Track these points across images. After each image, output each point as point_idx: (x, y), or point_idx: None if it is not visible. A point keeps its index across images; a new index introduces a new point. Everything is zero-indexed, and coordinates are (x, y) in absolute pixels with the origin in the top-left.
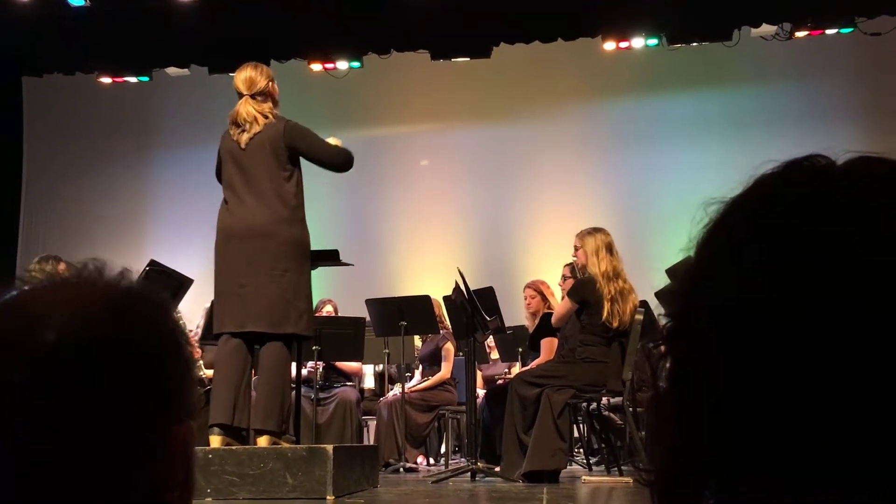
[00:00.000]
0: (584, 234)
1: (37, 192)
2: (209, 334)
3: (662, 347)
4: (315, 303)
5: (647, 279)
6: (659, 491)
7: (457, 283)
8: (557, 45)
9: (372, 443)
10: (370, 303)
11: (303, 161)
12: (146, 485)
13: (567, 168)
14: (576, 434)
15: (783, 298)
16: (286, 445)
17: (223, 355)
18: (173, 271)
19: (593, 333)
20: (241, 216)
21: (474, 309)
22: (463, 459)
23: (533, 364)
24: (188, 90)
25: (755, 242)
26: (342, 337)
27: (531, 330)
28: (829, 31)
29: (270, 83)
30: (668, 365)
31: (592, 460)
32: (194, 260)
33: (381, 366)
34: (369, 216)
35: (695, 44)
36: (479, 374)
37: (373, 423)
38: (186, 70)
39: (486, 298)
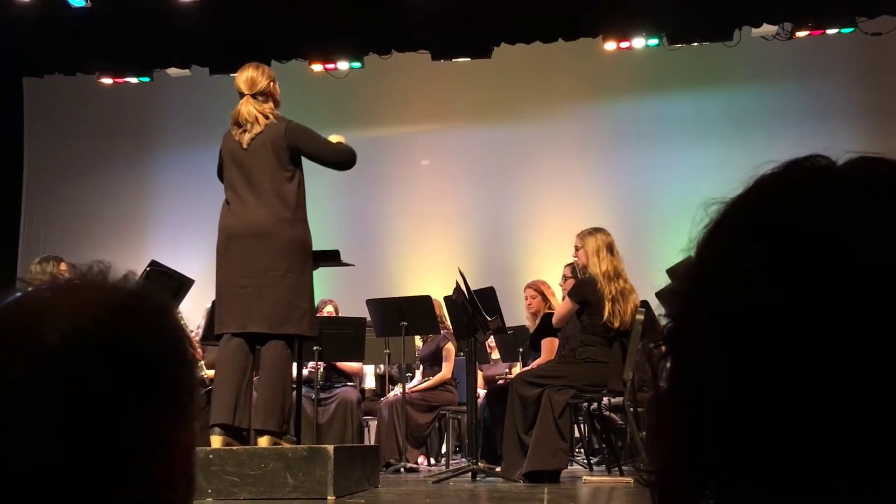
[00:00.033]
0: (584, 235)
1: (37, 192)
2: (210, 334)
3: (663, 348)
4: (316, 303)
5: (647, 279)
6: (659, 491)
7: (457, 283)
8: (558, 45)
9: (373, 443)
10: (371, 303)
11: (304, 161)
12: (146, 485)
13: (567, 168)
14: (577, 434)
15: (783, 299)
16: (287, 446)
17: (225, 355)
18: (174, 272)
19: (594, 333)
20: (243, 217)
21: (475, 309)
22: (464, 459)
23: (534, 364)
24: (189, 91)
25: (755, 243)
26: (343, 337)
27: (532, 330)
28: (829, 31)
29: (272, 83)
30: (668, 365)
31: (593, 460)
32: (195, 260)
33: (381, 368)
34: (370, 216)
35: (695, 44)
36: (479, 374)
37: (373, 424)
38: (187, 71)
39: (486, 298)
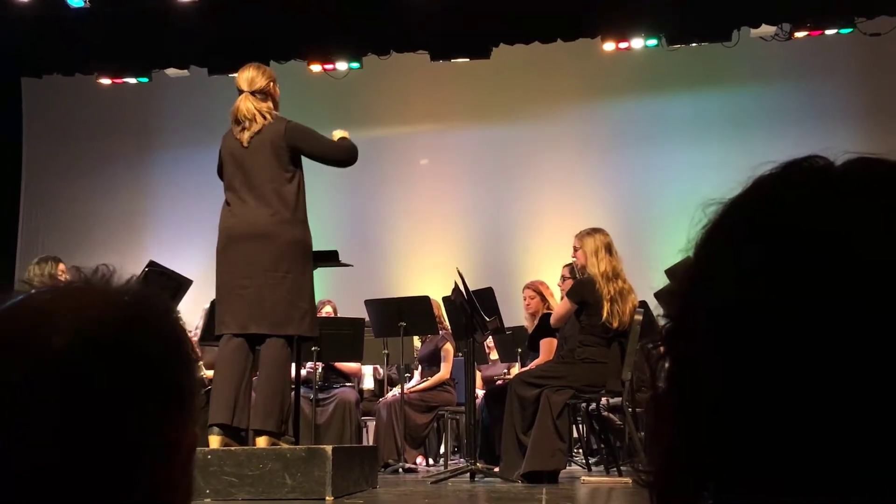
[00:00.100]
0: (583, 235)
1: (36, 192)
2: (208, 335)
3: (661, 348)
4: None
5: (646, 279)
6: (658, 491)
7: (456, 283)
8: (557, 45)
9: (371, 443)
10: (369, 303)
11: (304, 161)
12: (147, 486)
13: (567, 168)
14: (575, 434)
15: (782, 299)
16: (285, 446)
17: (224, 355)
18: (172, 272)
19: (593, 334)
20: (243, 217)
21: (473, 309)
22: (462, 460)
23: (532, 364)
24: (188, 91)
25: (754, 243)
26: (341, 337)
27: (530, 330)
28: (828, 32)
29: (272, 83)
30: (667, 366)
31: (592, 461)
32: (194, 261)
33: (381, 372)
34: (369, 217)
35: (694, 44)
36: (478, 374)
37: (372, 424)
38: (186, 71)
39: (485, 299)
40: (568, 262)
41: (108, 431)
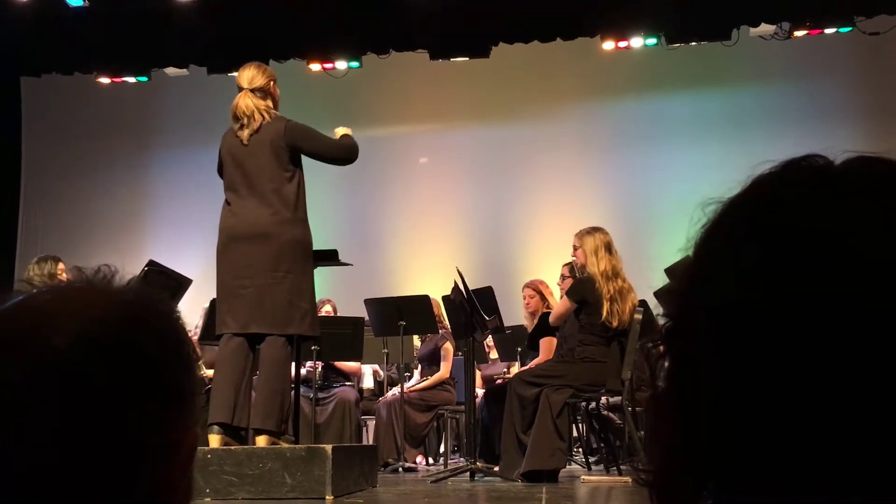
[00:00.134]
0: (582, 234)
1: (35, 192)
2: (208, 334)
3: (661, 347)
4: None
5: (646, 279)
6: (657, 491)
7: (456, 282)
8: (556, 44)
9: (371, 442)
10: (369, 303)
11: (304, 160)
12: (147, 486)
13: (567, 168)
14: (575, 434)
15: (781, 298)
16: (285, 445)
17: (225, 354)
18: (172, 272)
19: (592, 333)
20: (244, 217)
21: (473, 308)
22: (462, 459)
23: (532, 364)
24: (187, 90)
25: (753, 242)
26: (341, 337)
27: (530, 329)
28: (827, 31)
29: (272, 83)
30: (666, 365)
31: (591, 460)
32: (193, 260)
33: (381, 375)
34: (369, 216)
35: (693, 43)
36: (478, 373)
37: (372, 423)
38: (185, 70)
39: (484, 298)
40: (567, 262)
41: (108, 431)
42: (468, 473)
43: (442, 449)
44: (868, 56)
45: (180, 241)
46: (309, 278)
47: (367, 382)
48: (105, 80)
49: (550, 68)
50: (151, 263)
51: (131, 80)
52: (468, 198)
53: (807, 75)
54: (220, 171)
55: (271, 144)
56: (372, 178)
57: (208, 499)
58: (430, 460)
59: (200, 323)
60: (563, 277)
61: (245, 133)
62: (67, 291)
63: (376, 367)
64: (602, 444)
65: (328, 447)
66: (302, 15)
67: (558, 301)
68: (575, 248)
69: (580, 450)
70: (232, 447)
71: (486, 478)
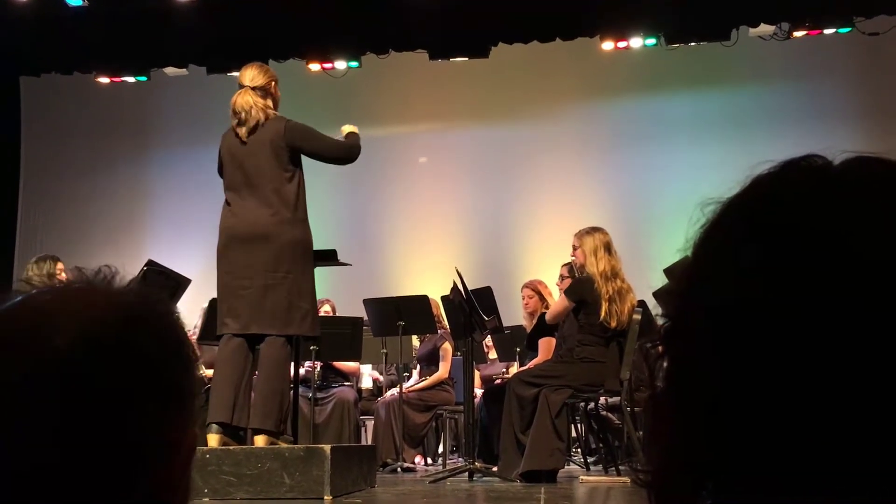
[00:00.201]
0: (582, 234)
1: (35, 192)
2: (207, 334)
3: (660, 347)
4: None
5: (645, 279)
6: (656, 491)
7: (455, 282)
8: (556, 44)
9: (370, 443)
10: (368, 303)
11: (304, 160)
12: (146, 485)
13: (566, 168)
14: (573, 434)
15: (780, 299)
16: (284, 445)
17: (225, 354)
18: (171, 271)
19: (591, 333)
20: (244, 217)
21: (472, 309)
22: (460, 459)
23: (531, 364)
24: (186, 90)
25: (752, 242)
26: (340, 337)
27: (529, 330)
28: (827, 31)
29: (273, 83)
30: (665, 365)
31: (590, 460)
32: (192, 260)
33: (381, 379)
34: (368, 216)
35: (693, 44)
36: (476, 373)
37: (370, 423)
38: (185, 70)
39: (483, 298)
40: (567, 262)
41: (108, 431)
42: (467, 474)
43: (440, 449)
44: (867, 56)
45: (179, 240)
46: (309, 278)
47: (366, 382)
48: (104, 80)
49: (550, 68)
50: (150, 263)
51: (130, 79)
52: (467, 198)
53: (806, 76)
54: (220, 172)
55: (271, 144)
56: (371, 178)
57: (207, 499)
58: (429, 460)
59: (199, 323)
60: (562, 278)
61: (243, 130)
62: (67, 292)
63: (375, 373)
64: (601, 445)
65: (327, 447)
66: (301, 15)
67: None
68: (574, 248)
69: (579, 450)
70: (231, 447)
71: (484, 478)
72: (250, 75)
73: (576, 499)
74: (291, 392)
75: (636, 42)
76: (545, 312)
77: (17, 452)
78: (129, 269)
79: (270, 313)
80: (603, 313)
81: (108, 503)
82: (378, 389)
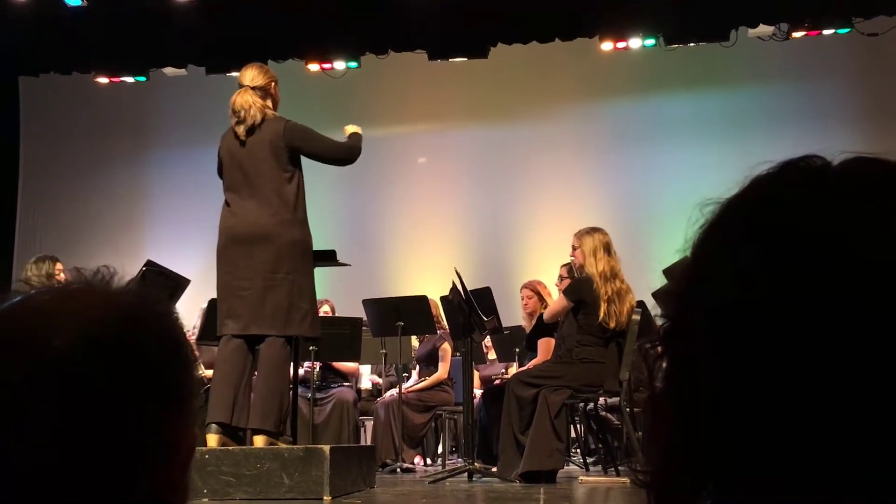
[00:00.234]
0: (581, 234)
1: (34, 192)
2: (206, 334)
3: (659, 348)
4: None
5: (645, 279)
6: (656, 491)
7: (454, 283)
8: (555, 45)
9: (369, 443)
10: (367, 303)
11: (304, 161)
12: (146, 485)
13: (565, 168)
14: (573, 434)
15: (779, 299)
16: (283, 446)
17: (224, 355)
18: (170, 272)
19: (590, 334)
20: (244, 218)
21: (471, 309)
22: (460, 460)
23: (530, 364)
24: (185, 90)
25: (751, 243)
26: (339, 337)
27: (528, 330)
28: (826, 32)
29: (272, 84)
30: (664, 365)
31: (589, 460)
32: (192, 260)
33: (380, 383)
34: (367, 216)
35: (692, 44)
36: (476, 374)
37: (370, 424)
38: (183, 70)
39: (483, 298)
40: (566, 262)
41: (108, 432)
42: (466, 474)
43: (440, 449)
44: (866, 57)
45: (178, 240)
46: (309, 279)
47: (366, 383)
48: (103, 80)
49: (549, 69)
50: (149, 263)
51: (130, 79)
52: (467, 198)
53: (805, 76)
54: (220, 172)
55: (270, 145)
56: (370, 178)
57: (206, 499)
58: (428, 461)
59: (198, 323)
60: (561, 278)
61: (242, 129)
62: (67, 292)
63: (374, 376)
64: (600, 445)
65: (326, 448)
66: (300, 15)
67: None
68: (574, 249)
69: (578, 451)
70: (230, 447)
71: (483, 478)
72: (250, 75)
73: (575, 499)
74: (291, 392)
75: (635, 42)
76: (544, 312)
77: (17, 452)
78: (128, 269)
79: (270, 314)
80: (602, 314)
81: (108, 503)
82: (377, 391)
